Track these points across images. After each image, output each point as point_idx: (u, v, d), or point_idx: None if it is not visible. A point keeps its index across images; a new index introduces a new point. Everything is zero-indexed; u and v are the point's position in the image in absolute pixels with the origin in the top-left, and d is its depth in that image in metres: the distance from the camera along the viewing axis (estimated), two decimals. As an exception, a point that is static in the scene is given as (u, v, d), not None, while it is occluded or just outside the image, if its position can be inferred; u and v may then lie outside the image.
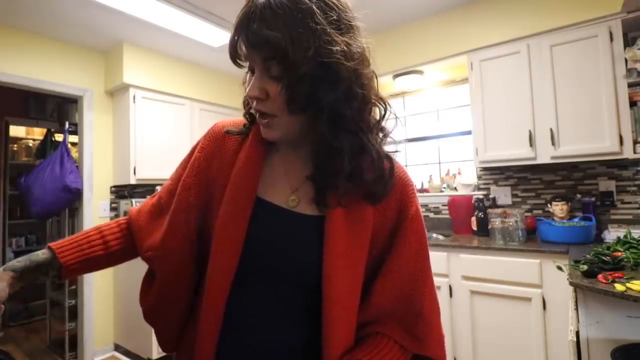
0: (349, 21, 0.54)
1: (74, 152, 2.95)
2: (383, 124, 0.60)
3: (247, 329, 0.59)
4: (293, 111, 0.53)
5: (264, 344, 0.58)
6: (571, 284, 1.36)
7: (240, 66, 0.57)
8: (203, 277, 0.64)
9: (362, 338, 0.60)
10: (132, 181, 2.79)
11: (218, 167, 0.63)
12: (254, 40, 0.50)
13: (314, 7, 0.49)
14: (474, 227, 2.51)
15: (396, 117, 0.60)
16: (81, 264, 0.65)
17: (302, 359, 0.59)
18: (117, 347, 2.91)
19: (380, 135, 0.60)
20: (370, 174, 0.58)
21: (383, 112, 0.59)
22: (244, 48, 0.53)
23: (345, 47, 0.51)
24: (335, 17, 0.51)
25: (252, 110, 0.60)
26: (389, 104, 0.59)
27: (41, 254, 0.64)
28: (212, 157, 0.64)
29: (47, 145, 3.45)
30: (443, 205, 2.89)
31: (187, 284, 0.64)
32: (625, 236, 1.79)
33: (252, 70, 0.55)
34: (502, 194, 2.62)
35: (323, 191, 0.58)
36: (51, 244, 0.65)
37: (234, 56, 0.56)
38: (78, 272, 0.67)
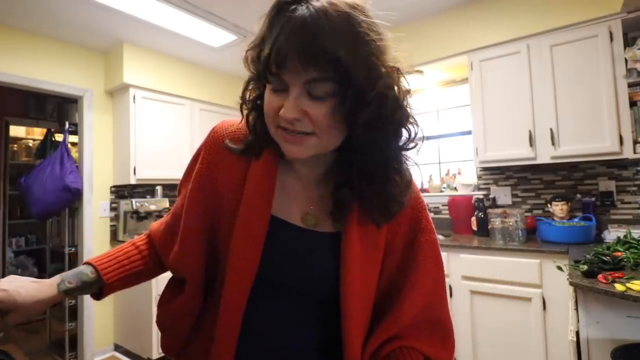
0: (385, 43, 0.51)
1: (74, 152, 2.95)
2: (411, 144, 0.57)
3: (264, 339, 0.59)
4: (353, 130, 0.50)
5: (281, 353, 0.59)
6: (571, 284, 1.36)
7: (267, 80, 0.51)
8: (211, 286, 0.64)
9: (389, 355, 0.59)
10: (132, 181, 2.79)
11: (224, 178, 0.60)
12: (312, 54, 0.44)
13: (368, 23, 0.47)
14: (474, 227, 2.51)
15: (423, 136, 0.58)
16: (122, 281, 0.66)
17: None
18: (117, 347, 2.91)
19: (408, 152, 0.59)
20: (400, 195, 0.58)
21: (414, 134, 0.56)
22: (293, 61, 0.46)
23: (394, 74, 0.51)
24: (386, 34, 0.50)
25: (280, 128, 0.52)
26: (419, 126, 0.57)
27: (90, 274, 0.64)
28: (214, 169, 0.61)
29: (47, 145, 3.45)
30: (443, 205, 2.90)
31: (203, 294, 0.65)
32: (625, 236, 1.79)
33: (279, 88, 0.50)
34: (502, 194, 2.62)
35: (341, 209, 0.58)
36: (92, 262, 0.65)
37: (271, 67, 0.48)
38: (118, 288, 0.67)
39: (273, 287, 0.59)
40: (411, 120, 0.55)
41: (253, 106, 0.59)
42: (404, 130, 0.55)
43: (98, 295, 0.67)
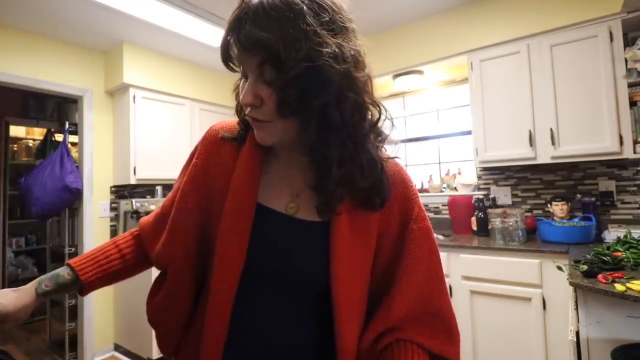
0: (343, 23, 0.52)
1: (74, 152, 2.95)
2: (379, 127, 0.58)
3: (254, 332, 0.59)
4: (284, 115, 0.51)
5: (271, 346, 0.58)
6: (571, 284, 1.36)
7: (233, 70, 0.56)
8: (205, 282, 0.64)
9: (386, 348, 0.59)
10: (132, 181, 2.79)
11: (217, 172, 0.62)
12: (247, 42, 0.49)
13: (307, 8, 0.48)
14: (474, 227, 2.51)
15: (392, 120, 0.59)
16: (100, 280, 0.68)
17: (311, 358, 0.60)
18: (117, 347, 2.91)
19: (378, 139, 0.59)
20: (364, 181, 0.57)
21: (377, 116, 0.57)
22: (236, 51, 0.52)
23: (337, 49, 0.49)
24: (327, 19, 0.50)
25: (246, 117, 0.58)
26: (384, 107, 0.58)
27: (66, 275, 0.66)
28: (209, 164, 0.63)
29: (47, 145, 3.45)
30: (443, 205, 2.90)
31: (190, 288, 0.65)
32: (625, 236, 1.79)
33: (245, 76, 0.54)
34: (502, 194, 2.62)
35: (324, 199, 0.58)
36: (72, 262, 0.67)
37: (226, 59, 0.54)
38: (99, 286, 0.69)
39: (262, 279, 0.59)
40: (370, 104, 0.56)
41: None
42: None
43: (81, 292, 0.69)
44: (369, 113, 0.56)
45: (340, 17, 0.52)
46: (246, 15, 0.49)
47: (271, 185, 0.62)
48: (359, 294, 0.59)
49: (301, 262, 0.58)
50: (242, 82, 0.56)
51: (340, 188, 0.56)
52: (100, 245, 0.72)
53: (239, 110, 0.63)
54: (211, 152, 0.64)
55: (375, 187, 0.58)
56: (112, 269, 0.69)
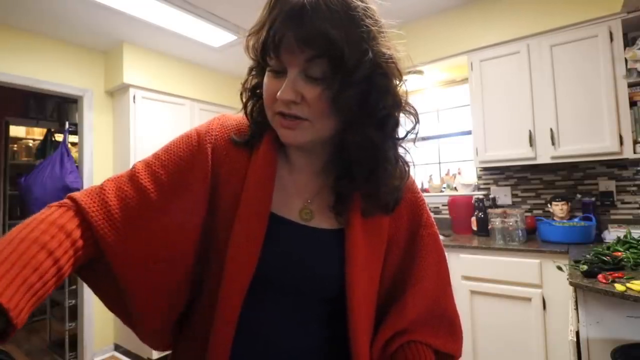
0: (385, 28, 0.53)
1: (74, 152, 2.95)
2: (412, 133, 0.58)
3: (261, 335, 0.58)
4: (334, 114, 0.50)
5: (279, 350, 0.58)
6: (571, 284, 1.36)
7: (267, 63, 0.51)
8: (205, 282, 0.62)
9: (397, 351, 0.60)
10: (132, 181, 2.79)
11: (225, 170, 0.58)
12: (308, 35, 0.45)
13: (362, 9, 0.48)
14: (474, 227, 2.51)
15: (417, 123, 0.59)
16: (30, 309, 0.41)
17: None
18: (117, 347, 2.92)
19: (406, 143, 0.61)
20: (399, 182, 0.58)
21: (414, 121, 0.57)
22: (290, 43, 0.47)
23: (393, 53, 0.51)
24: (382, 22, 0.51)
25: (279, 111, 0.52)
26: (416, 116, 0.58)
27: None
28: (220, 159, 0.58)
29: (47, 145, 3.46)
30: (443, 205, 2.90)
31: (186, 286, 0.60)
32: (625, 236, 1.79)
33: (277, 70, 0.51)
34: (502, 194, 2.62)
35: (343, 202, 0.57)
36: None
37: (267, 53, 0.50)
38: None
39: (273, 285, 0.58)
40: (406, 108, 0.56)
41: (252, 94, 0.60)
42: (395, 118, 0.55)
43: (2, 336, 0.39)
44: (397, 118, 0.57)
45: (379, 25, 0.52)
46: (309, 6, 0.45)
47: (283, 191, 0.60)
48: (371, 298, 0.60)
49: (317, 269, 0.58)
50: (269, 77, 0.52)
51: (377, 189, 0.57)
52: (24, 251, 0.43)
53: (251, 110, 0.60)
54: (223, 148, 0.59)
55: (399, 189, 0.59)
56: (45, 293, 0.43)
